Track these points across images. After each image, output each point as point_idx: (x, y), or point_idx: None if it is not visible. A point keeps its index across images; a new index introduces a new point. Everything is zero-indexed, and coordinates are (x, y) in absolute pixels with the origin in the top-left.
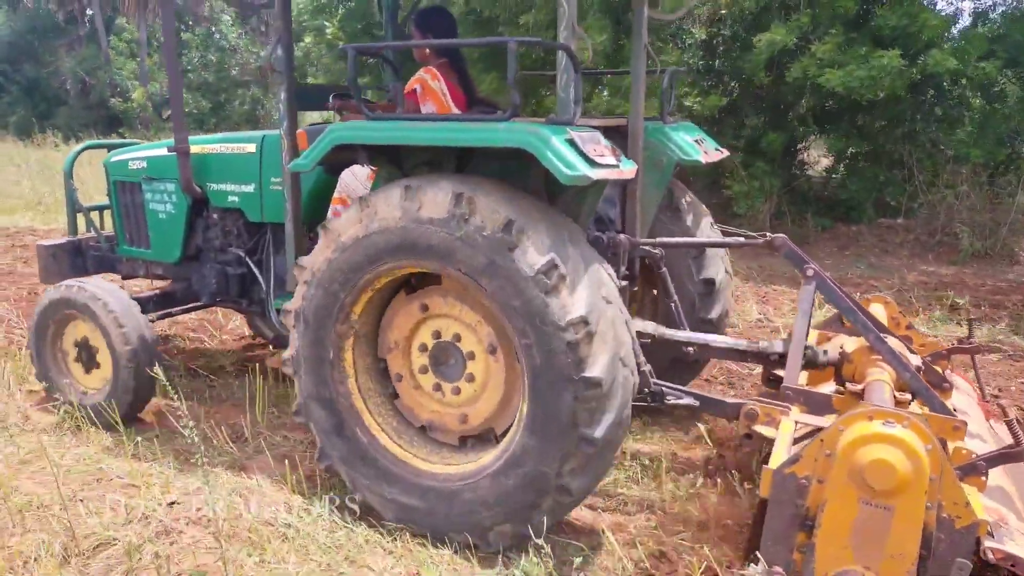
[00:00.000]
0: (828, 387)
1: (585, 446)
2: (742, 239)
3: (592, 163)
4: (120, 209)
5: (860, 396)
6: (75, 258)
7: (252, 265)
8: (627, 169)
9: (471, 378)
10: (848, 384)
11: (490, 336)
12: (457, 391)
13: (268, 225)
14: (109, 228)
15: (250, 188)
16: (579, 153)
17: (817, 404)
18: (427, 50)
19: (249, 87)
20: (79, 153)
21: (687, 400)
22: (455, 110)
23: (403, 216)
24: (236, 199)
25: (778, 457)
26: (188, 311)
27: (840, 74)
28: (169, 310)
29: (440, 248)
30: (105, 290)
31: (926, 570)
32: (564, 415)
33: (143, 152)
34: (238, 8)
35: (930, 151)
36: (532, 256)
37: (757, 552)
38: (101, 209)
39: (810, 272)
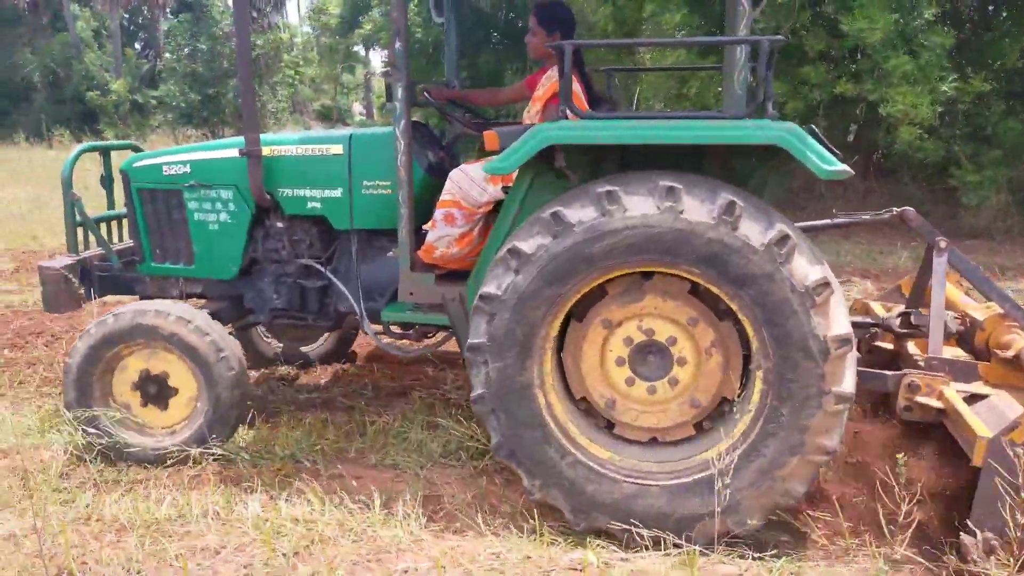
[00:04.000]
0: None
1: (820, 456)
2: (868, 216)
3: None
4: (146, 221)
5: (1011, 362)
6: (83, 281)
7: (331, 275)
8: None
9: (674, 381)
10: (999, 351)
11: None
12: (653, 390)
13: (354, 232)
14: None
15: (337, 193)
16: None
17: (962, 372)
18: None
19: None
20: (78, 156)
21: None
22: (588, 108)
23: (663, 216)
24: (318, 205)
25: (978, 425)
26: (243, 329)
27: None
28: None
29: (705, 255)
30: (186, 311)
31: None
32: (804, 428)
33: (184, 155)
34: None
35: None
36: (804, 270)
37: (968, 521)
38: (108, 220)
39: (943, 244)
